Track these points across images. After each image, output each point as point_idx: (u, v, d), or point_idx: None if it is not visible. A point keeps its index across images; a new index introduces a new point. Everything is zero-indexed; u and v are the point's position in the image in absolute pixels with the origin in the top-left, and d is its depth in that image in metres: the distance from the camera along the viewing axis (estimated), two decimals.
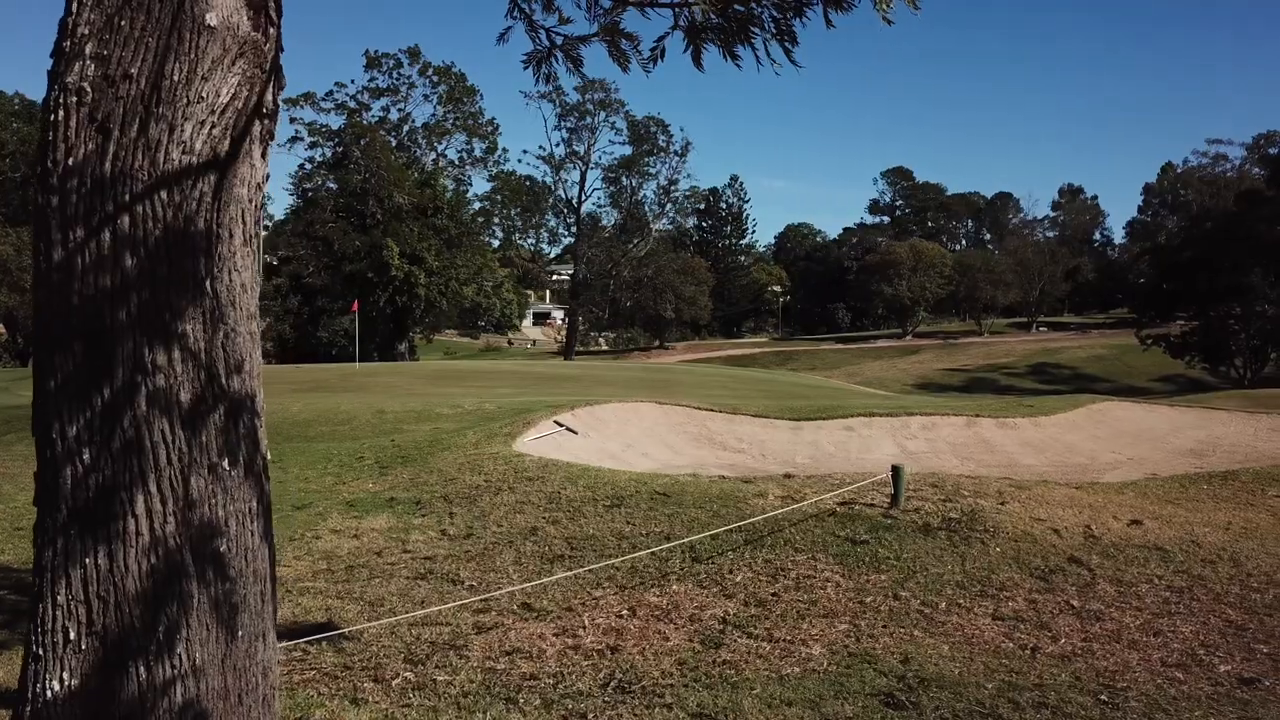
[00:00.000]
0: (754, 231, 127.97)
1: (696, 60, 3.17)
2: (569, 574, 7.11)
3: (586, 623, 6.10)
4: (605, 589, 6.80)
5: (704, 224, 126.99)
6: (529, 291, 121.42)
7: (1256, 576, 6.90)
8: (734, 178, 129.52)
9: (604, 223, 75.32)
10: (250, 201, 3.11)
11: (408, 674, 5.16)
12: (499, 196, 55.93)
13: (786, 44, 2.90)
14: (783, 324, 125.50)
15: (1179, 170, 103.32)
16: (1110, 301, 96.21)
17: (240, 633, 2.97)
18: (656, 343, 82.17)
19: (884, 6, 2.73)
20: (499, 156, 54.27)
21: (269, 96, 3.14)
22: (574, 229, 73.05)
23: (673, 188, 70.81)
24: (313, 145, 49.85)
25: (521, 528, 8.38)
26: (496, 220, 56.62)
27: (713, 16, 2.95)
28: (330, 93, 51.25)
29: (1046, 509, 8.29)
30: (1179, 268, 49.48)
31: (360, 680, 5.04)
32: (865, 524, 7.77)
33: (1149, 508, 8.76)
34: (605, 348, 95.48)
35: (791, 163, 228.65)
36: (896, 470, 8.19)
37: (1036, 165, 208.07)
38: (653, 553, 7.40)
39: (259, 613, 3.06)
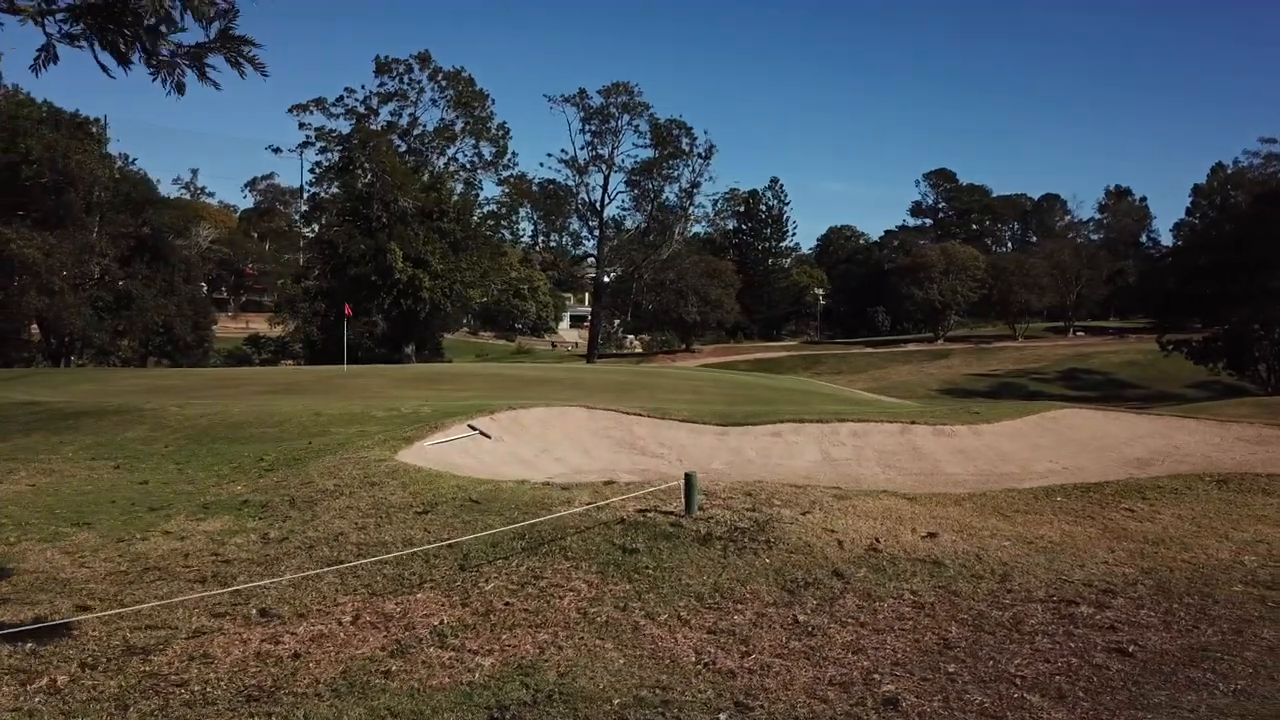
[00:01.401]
0: (794, 234, 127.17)
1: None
2: (336, 579, 7.17)
3: (302, 629, 6.15)
4: (355, 595, 6.83)
5: (744, 226, 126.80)
6: (568, 294, 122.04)
7: (1016, 593, 6.72)
8: (774, 180, 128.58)
9: (627, 226, 75.47)
10: None
11: (64, 677, 5.25)
12: (508, 200, 56.22)
13: (147, 45, 2.93)
14: (824, 327, 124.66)
15: (1229, 171, 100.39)
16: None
17: None
18: (684, 346, 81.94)
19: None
20: (509, 160, 54.88)
21: None
22: (597, 232, 73.17)
23: (695, 190, 70.74)
24: (322, 150, 50.93)
25: (331, 533, 8.46)
26: (505, 224, 57.02)
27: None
28: (340, 98, 52.28)
29: (848, 520, 8.15)
30: (1201, 271, 48.18)
31: (7, 684, 5.13)
32: (648, 532, 7.71)
33: (969, 520, 8.56)
34: (640, 350, 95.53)
35: (839, 164, 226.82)
36: (688, 478, 8.12)
37: (1087, 167, 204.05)
38: (427, 560, 7.43)
39: None
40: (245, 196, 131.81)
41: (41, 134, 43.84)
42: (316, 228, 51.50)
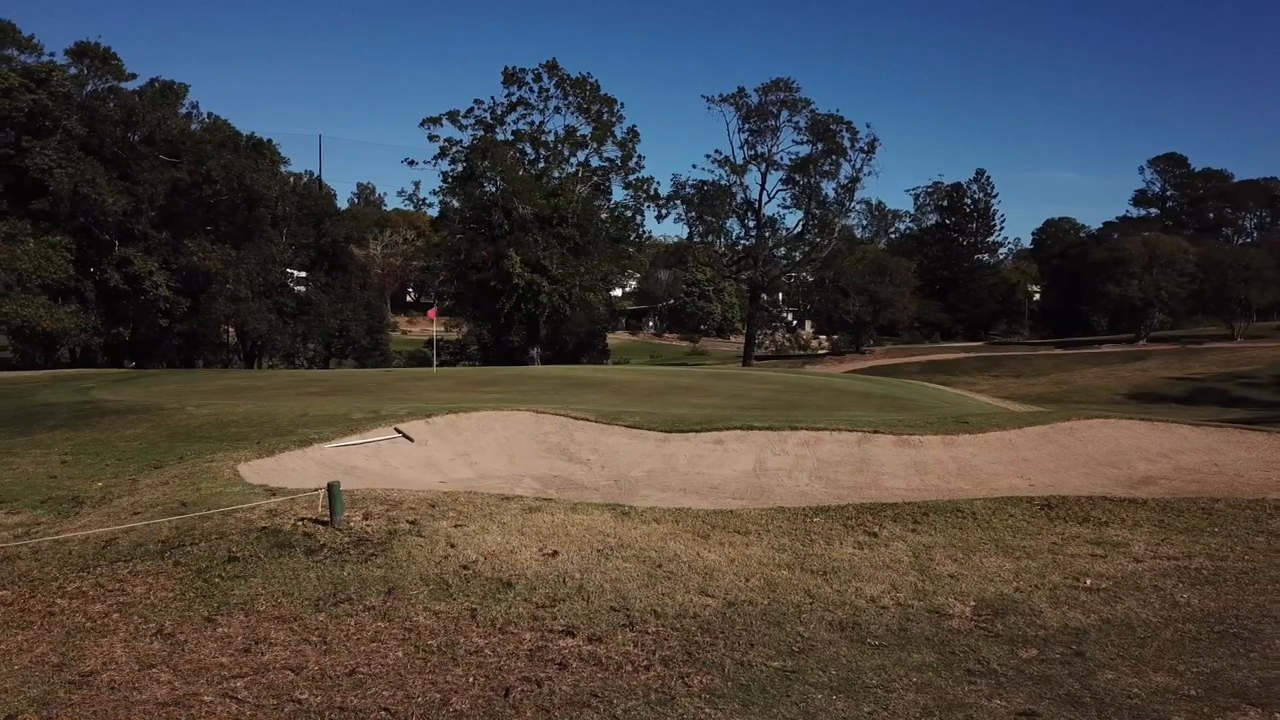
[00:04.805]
0: (1002, 227, 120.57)
1: None
2: None
3: None
4: None
5: (947, 220, 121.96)
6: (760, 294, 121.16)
7: (539, 619, 6.28)
8: (979, 171, 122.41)
9: (786, 224, 74.01)
10: None
11: None
12: (633, 203, 56.52)
13: None
14: (1039, 326, 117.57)
15: None
16: None
17: None
18: (856, 348, 79.41)
19: None
20: (635, 163, 55.00)
21: None
22: (754, 232, 72.24)
23: (855, 185, 68.30)
24: (453, 161, 53.00)
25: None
26: (631, 228, 56.96)
27: None
28: (470, 109, 54.32)
29: (493, 536, 7.85)
30: None
31: None
32: (273, 540, 7.75)
33: (645, 539, 8.00)
34: (824, 351, 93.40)
35: (1063, 153, 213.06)
36: (331, 488, 8.07)
37: None
38: (66, 560, 7.79)
39: None
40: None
41: (222, 156, 48.22)
42: (445, 235, 53.87)
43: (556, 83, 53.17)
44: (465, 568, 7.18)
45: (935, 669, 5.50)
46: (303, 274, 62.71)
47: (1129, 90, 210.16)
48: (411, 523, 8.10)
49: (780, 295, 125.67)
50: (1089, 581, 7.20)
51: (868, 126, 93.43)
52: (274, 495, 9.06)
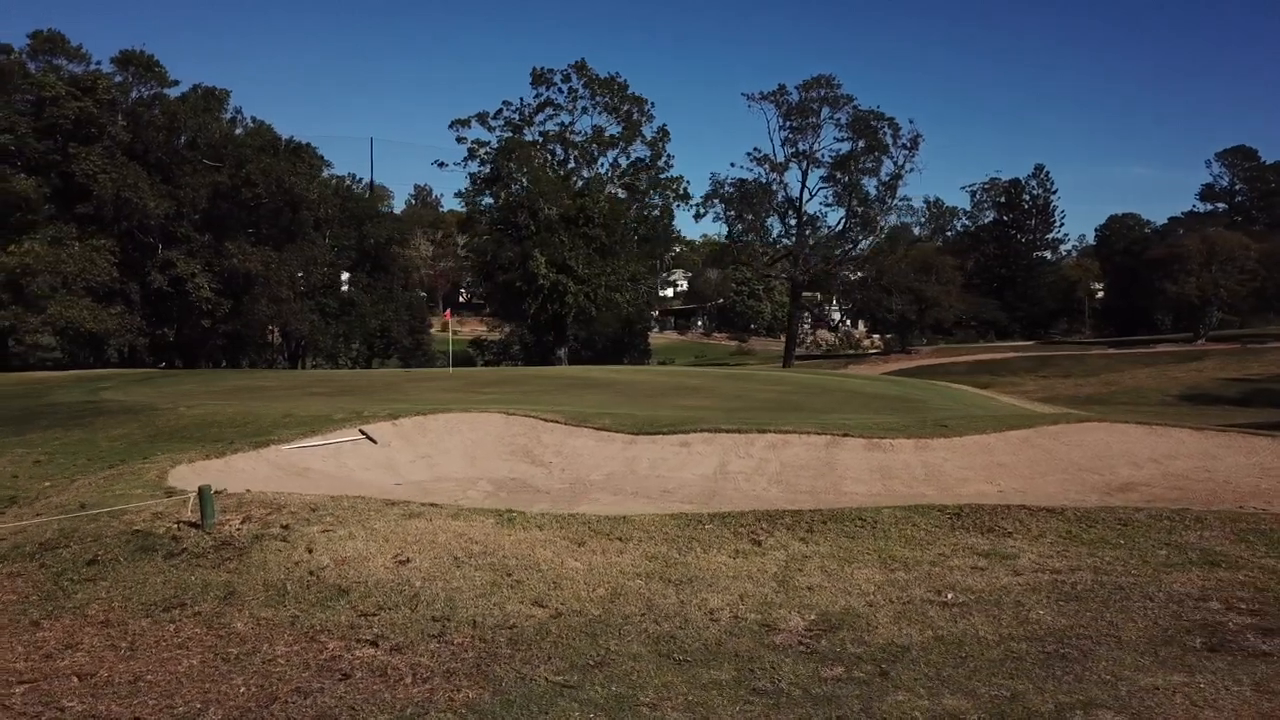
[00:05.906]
0: (1062, 224, 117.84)
1: None
2: None
3: None
4: None
5: (1005, 218, 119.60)
6: (813, 294, 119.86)
7: (356, 627, 6.20)
8: (1039, 167, 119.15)
9: (828, 222, 73.06)
10: None
11: None
12: (663, 203, 56.00)
13: None
14: (1101, 325, 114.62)
15: None
16: None
17: None
18: (902, 347, 78.12)
19: None
20: (664, 162, 54.69)
21: None
22: (794, 230, 71.34)
23: (898, 182, 67.12)
24: (482, 162, 53.25)
25: None
26: (658, 229, 56.51)
27: None
28: (499, 111, 54.59)
29: (356, 543, 7.77)
30: None
31: None
32: (139, 544, 7.80)
33: (514, 546, 7.87)
34: (875, 351, 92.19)
35: (1129, 147, 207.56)
36: (202, 491, 8.09)
37: None
38: None
39: None
40: None
41: (261, 160, 49.11)
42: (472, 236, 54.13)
43: (585, 83, 53.29)
44: (312, 574, 7.14)
45: (722, 687, 5.29)
46: (345, 275, 63.50)
47: (1198, 81, 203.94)
48: (284, 527, 8.09)
49: (834, 296, 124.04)
50: (949, 596, 6.90)
51: (910, 123, 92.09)
52: (170, 496, 9.13)
